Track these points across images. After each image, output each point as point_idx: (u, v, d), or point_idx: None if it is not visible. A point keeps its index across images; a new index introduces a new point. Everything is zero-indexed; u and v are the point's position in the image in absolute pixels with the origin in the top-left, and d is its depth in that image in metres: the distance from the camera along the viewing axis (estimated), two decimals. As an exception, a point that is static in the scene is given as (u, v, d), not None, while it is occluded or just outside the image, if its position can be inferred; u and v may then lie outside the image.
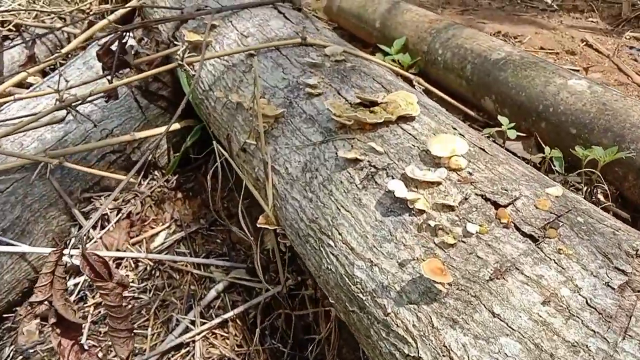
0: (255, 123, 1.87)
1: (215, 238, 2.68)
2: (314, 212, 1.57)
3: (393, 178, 1.43)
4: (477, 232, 1.24)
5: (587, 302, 1.05)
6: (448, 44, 2.49)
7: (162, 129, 2.70)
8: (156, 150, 2.89)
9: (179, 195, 2.92)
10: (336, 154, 1.60)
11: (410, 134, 1.59)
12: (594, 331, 1.00)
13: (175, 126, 2.76)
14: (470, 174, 1.41)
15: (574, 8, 4.93)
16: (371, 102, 1.70)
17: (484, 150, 1.55)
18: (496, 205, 1.29)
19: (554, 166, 1.77)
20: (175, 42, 2.63)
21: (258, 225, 1.83)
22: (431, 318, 1.17)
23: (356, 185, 1.49)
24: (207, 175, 2.87)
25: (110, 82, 2.39)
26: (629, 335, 0.98)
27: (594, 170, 1.59)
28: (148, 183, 2.92)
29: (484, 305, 1.12)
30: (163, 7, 2.79)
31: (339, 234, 1.46)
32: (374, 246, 1.36)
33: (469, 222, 1.27)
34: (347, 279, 1.40)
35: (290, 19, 2.47)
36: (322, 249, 1.52)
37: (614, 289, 1.06)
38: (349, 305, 1.41)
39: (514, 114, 1.99)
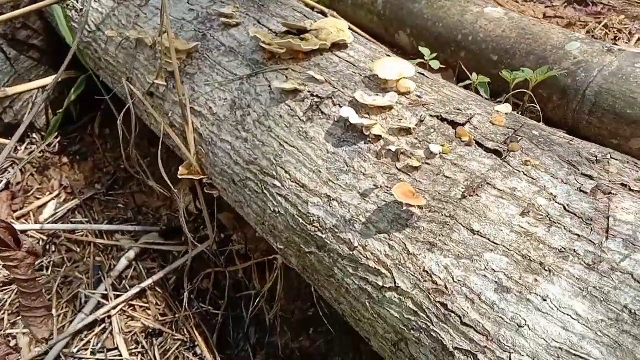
0: (163, 61, 1.63)
1: (116, 203, 2.39)
2: (251, 153, 1.41)
3: (341, 106, 1.32)
4: (440, 153, 1.18)
5: (564, 208, 1.04)
6: (356, -21, 2.39)
7: (41, 82, 2.31)
8: (32, 110, 2.49)
9: (65, 159, 2.57)
10: (269, 87, 1.45)
11: (347, 61, 1.48)
12: (578, 235, 0.99)
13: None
14: (420, 97, 1.33)
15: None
16: (299, 30, 1.55)
17: (423, 75, 1.48)
18: (454, 125, 1.24)
19: (480, 93, 1.76)
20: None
21: (179, 177, 1.62)
22: (405, 245, 1.10)
23: (299, 118, 1.35)
24: (94, 133, 2.56)
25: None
26: (612, 235, 0.98)
27: (525, 91, 1.61)
28: (26, 148, 2.52)
29: (461, 224, 1.07)
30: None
31: (286, 172, 1.32)
32: (330, 180, 1.25)
33: (430, 143, 1.20)
34: (300, 219, 1.28)
35: (184, -50, 2.20)
36: (265, 191, 1.37)
37: (586, 193, 1.05)
38: (304, 247, 1.29)
39: (432, 47, 1.96)
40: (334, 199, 1.22)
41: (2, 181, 2.34)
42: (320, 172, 1.27)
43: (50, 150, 2.56)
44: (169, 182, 1.63)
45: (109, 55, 1.93)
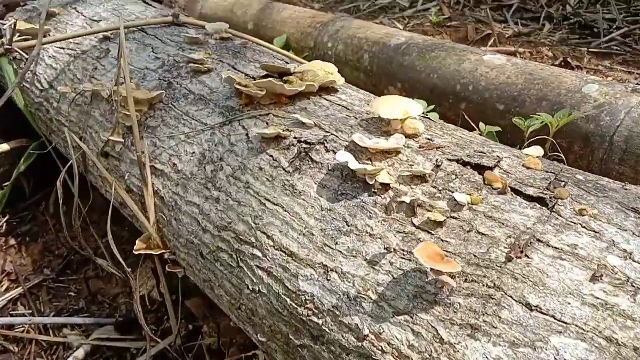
0: (120, 114, 1.37)
1: (67, 291, 2.03)
2: (224, 216, 1.12)
3: (335, 152, 1.05)
4: (468, 204, 0.91)
5: (650, 268, 0.76)
6: (338, 36, 2.23)
7: (-17, 152, 2.03)
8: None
9: (12, 242, 2.22)
10: (247, 135, 1.19)
11: (340, 104, 1.24)
12: (682, 305, 0.71)
13: (3, 149, 2.10)
14: (431, 139, 1.08)
15: (424, 33, 5.11)
16: (282, 74, 1.32)
17: (429, 118, 1.25)
18: (480, 169, 0.98)
19: (490, 146, 1.53)
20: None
21: (135, 252, 1.31)
22: (437, 330, 0.79)
23: (284, 169, 1.08)
24: (48, 211, 2.25)
25: None
26: None
27: (547, 138, 1.38)
28: (-34, 229, 2.18)
29: (512, 297, 0.78)
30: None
31: (269, 237, 1.03)
32: (326, 245, 0.96)
33: (454, 192, 0.93)
34: (288, 300, 0.97)
35: (152, 5, 2.02)
36: (242, 264, 1.07)
37: (673, 247, 0.78)
38: (294, 339, 0.97)
39: (427, 100, 1.75)
40: (332, 270, 0.93)
41: None
42: (312, 234, 0.98)
43: (-5, 231, 2.22)
44: (122, 262, 1.32)
45: (61, 114, 1.67)
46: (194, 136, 1.26)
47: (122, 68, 1.29)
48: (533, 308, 0.76)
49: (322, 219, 0.98)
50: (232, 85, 1.25)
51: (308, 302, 0.94)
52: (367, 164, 1.01)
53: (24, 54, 1.63)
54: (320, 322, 0.91)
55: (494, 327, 0.76)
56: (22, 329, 1.86)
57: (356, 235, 0.94)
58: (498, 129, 1.50)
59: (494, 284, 0.80)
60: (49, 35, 1.81)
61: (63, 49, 1.74)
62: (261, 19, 2.65)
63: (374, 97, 1.33)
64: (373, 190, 0.98)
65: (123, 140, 1.40)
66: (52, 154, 1.91)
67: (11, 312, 1.94)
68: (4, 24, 1.86)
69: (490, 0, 4.35)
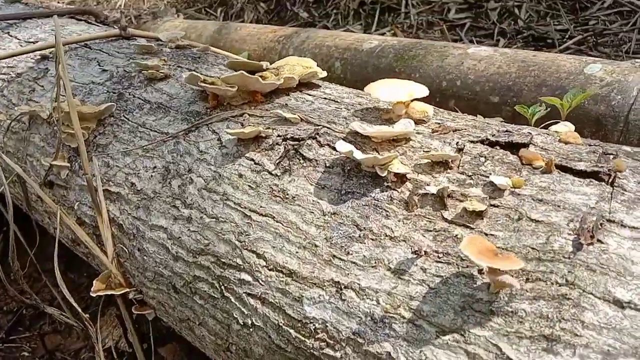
0: (63, 134, 1.15)
1: (20, 350, 1.74)
2: (199, 238, 0.90)
3: (332, 146, 0.86)
4: (509, 187, 0.73)
5: None
6: (304, 47, 2.07)
7: None
8: None
9: (-50, 301, 1.91)
10: (219, 140, 0.98)
11: (325, 98, 1.06)
12: None
13: None
14: (443, 123, 0.91)
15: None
16: (252, 72, 1.13)
17: (431, 105, 1.08)
18: (512, 149, 0.80)
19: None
20: None
21: (94, 294, 1.07)
22: (500, 348, 0.60)
23: (270, 173, 0.88)
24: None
25: None
26: None
27: (558, 121, 1.22)
28: None
29: (592, 293, 0.59)
30: None
31: (259, 256, 0.82)
32: (335, 256, 0.75)
33: (489, 175, 0.75)
34: (292, 331, 0.76)
35: (96, 24, 1.82)
36: (228, 294, 0.85)
37: None
38: (303, 380, 0.75)
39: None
40: (347, 287, 0.72)
41: None
42: (316, 245, 0.77)
43: None
44: (77, 307, 1.07)
45: (-5, 146, 1.42)
46: (154, 148, 1.05)
47: (61, 81, 1.07)
48: (624, 305, 0.57)
49: (325, 226, 0.78)
50: (195, 84, 1.05)
51: (319, 331, 0.73)
52: (376, 154, 0.82)
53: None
54: (338, 355, 0.70)
55: (577, 335, 0.57)
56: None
57: (372, 240, 0.74)
58: (499, 119, 1.34)
59: (566, 280, 0.61)
60: (-23, 60, 1.58)
61: (-6, 73, 1.51)
62: (217, 40, 2.48)
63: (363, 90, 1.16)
64: (386, 184, 0.79)
65: (69, 164, 1.17)
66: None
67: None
68: None
69: (441, 22, 4.33)
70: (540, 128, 1.06)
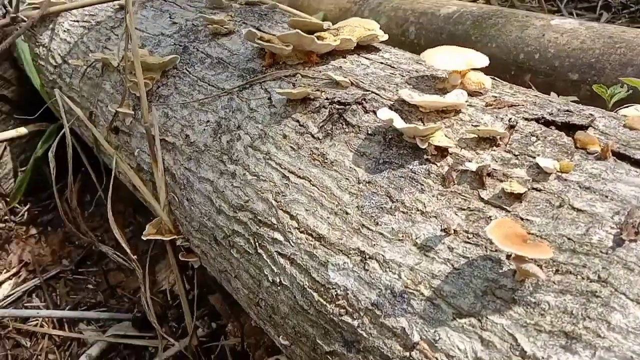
0: (129, 83, 1.20)
1: (86, 283, 1.89)
2: (241, 194, 0.92)
3: (376, 113, 0.84)
4: (556, 171, 0.68)
5: None
6: (380, 9, 2.01)
7: (1, 135, 1.91)
8: (-5, 171, 2.07)
9: (33, 231, 2.10)
10: (269, 99, 0.99)
11: (382, 63, 1.02)
12: None
13: (21, 132, 1.98)
14: (499, 97, 0.85)
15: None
16: (312, 31, 1.11)
17: (494, 78, 1.02)
18: (568, 131, 0.74)
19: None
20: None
21: (145, 238, 1.13)
22: (516, 339, 0.57)
23: (313, 136, 0.88)
24: (71, 199, 2.12)
25: None
26: None
27: (636, 105, 1.12)
28: (-15, 217, 2.07)
29: (625, 294, 0.54)
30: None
31: (292, 217, 0.83)
32: (364, 225, 0.74)
33: (536, 156, 0.71)
34: (315, 294, 0.76)
35: (177, -24, 1.85)
36: (261, 250, 0.87)
37: None
38: (322, 343, 0.76)
39: (484, 72, 1.50)
40: (371, 257, 0.71)
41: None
42: (347, 213, 0.77)
43: (16, 219, 2.11)
44: (127, 249, 1.14)
45: (73, 89, 1.51)
46: (209, 103, 1.07)
47: (128, 29, 1.11)
48: (661, 311, 0.52)
49: (358, 194, 0.77)
50: (253, 41, 1.05)
51: (340, 297, 0.73)
52: (418, 124, 0.79)
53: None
54: (356, 323, 0.70)
55: (600, 336, 0.53)
56: (36, 322, 1.72)
57: (402, 213, 0.72)
58: (574, 98, 1.25)
59: (599, 277, 0.57)
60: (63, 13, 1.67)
61: (77, 21, 1.59)
62: (296, -2, 2.46)
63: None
64: (425, 156, 0.76)
65: (133, 112, 1.22)
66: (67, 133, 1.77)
67: (25, 304, 1.81)
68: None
69: (540, -10, 4.05)
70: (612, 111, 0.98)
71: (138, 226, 2.03)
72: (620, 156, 0.68)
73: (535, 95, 0.89)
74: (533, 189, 0.67)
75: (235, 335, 1.47)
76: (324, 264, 0.76)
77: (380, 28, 1.23)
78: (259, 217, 0.88)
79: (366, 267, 0.72)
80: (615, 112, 1.06)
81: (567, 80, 1.41)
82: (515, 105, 0.82)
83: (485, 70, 1.55)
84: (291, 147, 0.89)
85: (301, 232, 0.81)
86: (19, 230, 2.08)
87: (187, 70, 1.18)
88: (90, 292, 1.84)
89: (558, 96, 1.28)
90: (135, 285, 1.84)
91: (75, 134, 1.68)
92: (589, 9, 3.65)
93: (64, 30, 1.64)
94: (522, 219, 0.65)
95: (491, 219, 0.66)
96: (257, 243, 0.87)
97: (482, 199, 0.69)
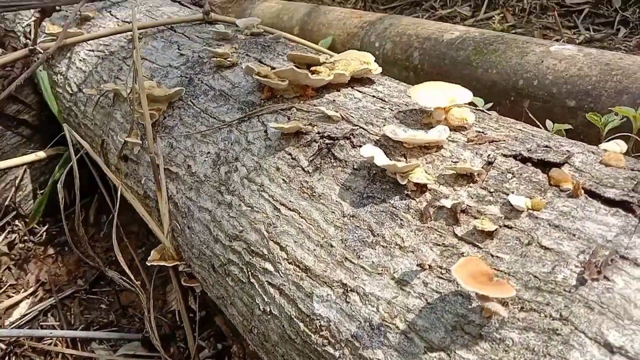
0: (137, 113, 1.26)
1: (99, 303, 1.95)
2: (236, 224, 0.97)
3: (362, 146, 0.88)
4: (528, 208, 0.71)
5: None
6: (386, 35, 2.06)
7: (20, 159, 1.99)
8: (16, 192, 2.15)
9: (50, 251, 2.18)
10: (265, 132, 1.03)
11: (374, 96, 1.06)
12: None
13: (40, 156, 2.06)
14: (483, 132, 0.89)
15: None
16: (310, 65, 1.16)
17: (483, 110, 1.05)
18: (544, 167, 0.77)
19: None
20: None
21: (149, 264, 1.18)
22: (482, 373, 0.60)
23: (303, 169, 0.92)
24: (88, 220, 2.20)
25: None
26: None
27: (630, 135, 1.14)
28: (5, 237, 2.15)
29: (584, 332, 0.57)
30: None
31: (282, 249, 0.86)
32: (347, 258, 0.78)
33: (509, 193, 0.73)
34: (301, 325, 0.80)
35: (188, 6, 1.93)
36: (253, 280, 0.91)
37: None
38: (308, 371, 0.80)
39: (485, 98, 1.53)
40: (352, 290, 0.75)
41: (-33, 276, 1.96)
42: (332, 246, 0.80)
43: (35, 239, 2.19)
44: (129, 274, 1.19)
45: (87, 117, 1.59)
46: (210, 134, 1.12)
47: (135, 60, 1.18)
48: (615, 350, 0.55)
49: (343, 227, 0.81)
50: (251, 75, 1.10)
51: (323, 328, 0.76)
52: (400, 160, 0.83)
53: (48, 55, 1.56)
54: (337, 354, 0.74)
55: (560, 374, 0.56)
56: (50, 341, 1.78)
57: (383, 247, 0.76)
58: (568, 126, 1.27)
59: (560, 315, 0.59)
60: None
61: (93, 51, 1.67)
62: (306, 22, 2.52)
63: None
64: (406, 192, 0.79)
65: (141, 142, 1.28)
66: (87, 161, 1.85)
67: (41, 323, 1.87)
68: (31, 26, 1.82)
69: (557, 6, 4.04)
70: (603, 143, 1.00)
71: (151, 246, 2.09)
72: (592, 194, 0.71)
73: (519, 129, 0.92)
74: (505, 226, 0.70)
75: (239, 357, 1.51)
76: (309, 295, 0.79)
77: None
78: (252, 247, 0.92)
79: (347, 300, 0.75)
80: (609, 140, 1.08)
81: (565, 107, 1.43)
82: (496, 141, 0.85)
83: (486, 96, 1.59)
84: (283, 179, 0.93)
85: (290, 263, 0.84)
86: (37, 250, 2.16)
87: (192, 102, 1.23)
88: (103, 312, 1.90)
89: (553, 123, 1.31)
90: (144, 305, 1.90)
91: (89, 156, 1.76)
92: (607, 24, 3.64)
93: (80, 60, 1.72)
94: (492, 255, 0.68)
95: (464, 255, 0.69)
96: (249, 272, 0.91)
97: (456, 235, 0.72)
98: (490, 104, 1.50)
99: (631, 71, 1.33)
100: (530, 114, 1.44)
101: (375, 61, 1.15)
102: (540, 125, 1.35)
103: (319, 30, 2.42)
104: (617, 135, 1.18)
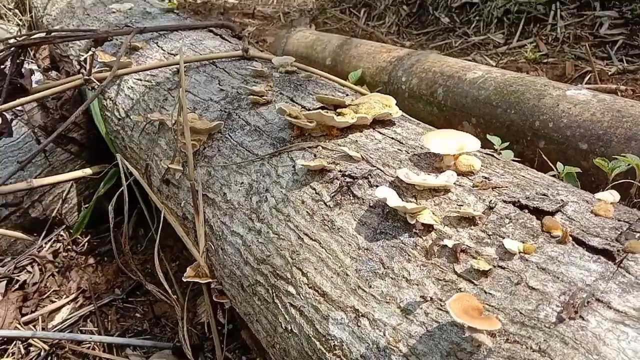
0: (180, 143, 1.40)
1: (134, 312, 2.09)
2: (264, 249, 1.09)
3: (378, 187, 0.99)
4: (520, 252, 0.80)
5: None
6: (413, 70, 2.17)
7: (70, 175, 2.16)
8: (63, 205, 2.33)
9: (91, 260, 2.34)
10: (293, 167, 1.15)
11: (392, 138, 1.17)
12: None
13: (87, 173, 2.23)
14: (488, 178, 0.99)
15: (518, 69, 4.88)
16: (336, 106, 1.28)
17: (492, 155, 1.15)
18: (538, 214, 0.87)
19: (568, 188, 1.38)
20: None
21: (185, 280, 1.31)
22: (469, 394, 0.69)
23: (325, 203, 1.03)
24: (128, 233, 2.35)
25: (0, 114, 1.88)
26: None
27: (632, 181, 1.22)
28: (51, 245, 2.32)
29: (560, 365, 0.66)
30: (76, 30, 2.34)
31: (303, 274, 0.98)
32: (359, 287, 0.89)
33: (505, 237, 0.83)
34: (317, 343, 0.91)
35: (229, 40, 2.09)
36: (277, 300, 1.02)
37: None
38: (322, 385, 0.90)
39: (503, 137, 1.63)
40: (363, 315, 0.85)
41: (17, 280, 2.12)
42: (347, 274, 0.91)
43: (76, 249, 2.35)
44: (167, 288, 1.32)
45: (133, 141, 1.74)
46: (245, 166, 1.25)
47: (180, 95, 1.32)
48: (585, 381, 0.64)
49: (357, 258, 0.92)
50: (283, 115, 1.23)
51: (336, 348, 0.87)
52: (411, 201, 0.94)
53: (106, 99, 1.73)
54: (347, 371, 0.84)
55: (536, 399, 0.65)
56: (89, 345, 1.92)
57: (392, 279, 0.86)
58: (577, 169, 1.35)
59: (539, 348, 0.68)
60: (130, 67, 1.92)
61: (140, 80, 1.83)
62: (338, 54, 2.66)
63: (433, 129, 1.26)
64: (414, 230, 0.90)
65: (182, 169, 1.42)
66: (125, 175, 2.00)
67: (80, 328, 2.02)
68: (95, 58, 2.00)
69: (591, 36, 4.08)
70: (609, 186, 1.09)
71: (184, 260, 2.23)
72: (578, 241, 0.80)
73: (523, 176, 1.02)
74: (498, 266, 0.80)
75: (263, 370, 1.62)
76: (325, 318, 0.90)
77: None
78: (277, 271, 1.03)
79: (359, 324, 0.85)
80: (609, 188, 1.17)
81: (578, 149, 1.51)
82: (499, 187, 0.95)
83: (504, 134, 1.68)
84: (307, 212, 1.05)
85: (310, 287, 0.95)
86: (79, 259, 2.32)
87: (229, 135, 1.37)
88: (138, 321, 2.04)
89: (564, 165, 1.39)
90: (177, 316, 2.03)
91: (132, 174, 1.91)
92: (640, 56, 3.67)
93: (129, 87, 1.88)
94: (485, 292, 0.77)
95: (461, 290, 0.79)
96: (274, 293, 1.03)
97: (455, 272, 0.82)
98: (507, 143, 1.59)
99: (641, 119, 1.40)
100: (543, 155, 1.52)
101: (400, 95, 1.27)
102: (553, 166, 1.44)
103: (350, 63, 2.55)
104: (622, 180, 1.27)
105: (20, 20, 4.18)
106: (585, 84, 3.21)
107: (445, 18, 5.12)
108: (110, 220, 1.61)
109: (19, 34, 3.53)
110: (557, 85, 1.69)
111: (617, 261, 0.75)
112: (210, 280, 1.29)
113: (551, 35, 4.29)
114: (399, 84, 2.21)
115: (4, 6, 4.42)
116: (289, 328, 0.98)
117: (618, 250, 0.77)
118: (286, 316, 0.99)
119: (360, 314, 0.86)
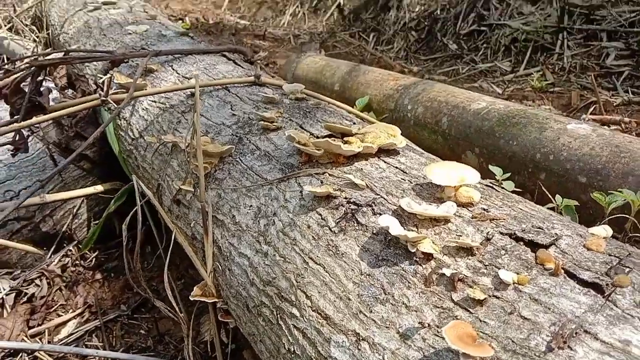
0: (192, 165, 1.46)
1: (139, 328, 2.12)
2: (270, 271, 1.13)
3: (381, 215, 1.03)
4: (514, 283, 0.84)
5: None
6: (419, 99, 2.23)
7: (82, 191, 2.22)
8: (73, 220, 2.38)
9: (98, 276, 2.38)
10: (301, 192, 1.20)
11: (396, 167, 1.22)
12: None
13: (98, 189, 2.29)
14: (486, 210, 1.03)
15: (524, 98, 4.94)
16: (343, 134, 1.33)
17: (492, 187, 1.19)
18: (533, 247, 0.91)
19: (566, 220, 1.42)
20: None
21: (192, 298, 1.35)
22: (462, 418, 0.73)
23: (330, 229, 1.08)
24: (135, 250, 2.39)
25: (18, 130, 1.95)
26: None
27: (627, 216, 1.26)
28: (60, 260, 2.37)
29: (548, 392, 0.70)
30: (93, 51, 2.42)
31: (307, 297, 1.02)
32: (361, 311, 0.93)
33: (500, 268, 0.87)
34: (319, 364, 0.94)
35: (241, 65, 2.16)
36: (281, 322, 1.06)
37: None
38: (322, 405, 0.94)
39: (505, 168, 1.67)
40: (364, 339, 0.89)
41: (25, 293, 2.17)
42: (349, 299, 0.95)
43: (84, 264, 2.40)
44: (175, 306, 1.36)
45: (146, 161, 1.80)
46: (254, 190, 1.30)
47: (194, 121, 1.38)
48: (572, 408, 0.67)
49: (360, 284, 0.96)
50: (293, 142, 1.28)
51: (337, 369, 0.91)
52: (413, 230, 0.98)
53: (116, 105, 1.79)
54: (347, 392, 0.88)
55: None
56: (93, 360, 1.96)
57: (392, 304, 0.90)
58: (575, 202, 1.40)
59: (530, 375, 0.72)
60: (145, 89, 1.99)
61: (155, 102, 1.89)
62: (347, 80, 2.73)
63: (436, 159, 1.31)
64: (415, 258, 0.94)
65: (193, 190, 1.47)
66: (138, 194, 2.06)
67: (86, 342, 2.06)
68: (112, 79, 2.07)
69: (597, 66, 4.13)
70: (606, 220, 1.13)
71: (189, 279, 2.27)
72: (570, 274, 0.84)
73: (521, 209, 1.06)
74: (493, 296, 0.84)
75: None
76: (327, 340, 0.94)
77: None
78: (282, 293, 1.08)
79: (359, 347, 0.89)
80: (605, 222, 1.21)
81: (577, 182, 1.56)
82: (496, 219, 0.99)
83: (506, 165, 1.73)
84: (312, 236, 1.09)
85: (313, 310, 1.00)
86: (87, 274, 2.37)
87: (240, 159, 1.42)
88: (142, 337, 2.07)
89: (563, 198, 1.43)
90: (181, 334, 2.06)
91: (144, 194, 1.96)
92: (646, 87, 3.72)
93: (143, 109, 1.94)
94: (480, 320, 0.81)
95: (457, 318, 0.83)
96: (278, 315, 1.07)
97: (452, 300, 0.86)
98: (509, 174, 1.64)
99: (638, 155, 1.45)
100: (543, 188, 1.57)
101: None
102: (552, 198, 1.48)
103: (358, 89, 2.62)
104: (618, 215, 1.31)
105: (37, 37, 4.29)
106: (590, 114, 3.25)
107: (454, 45, 5.20)
108: (123, 238, 1.66)
109: (35, 51, 3.63)
110: (559, 119, 1.75)
111: (605, 294, 0.79)
112: (217, 299, 1.33)
113: (558, 65, 4.35)
114: (405, 111, 2.27)
115: (21, 22, 4.55)
116: (292, 349, 1.01)
117: (607, 284, 0.81)
118: (289, 337, 1.03)
119: (361, 338, 0.90)
